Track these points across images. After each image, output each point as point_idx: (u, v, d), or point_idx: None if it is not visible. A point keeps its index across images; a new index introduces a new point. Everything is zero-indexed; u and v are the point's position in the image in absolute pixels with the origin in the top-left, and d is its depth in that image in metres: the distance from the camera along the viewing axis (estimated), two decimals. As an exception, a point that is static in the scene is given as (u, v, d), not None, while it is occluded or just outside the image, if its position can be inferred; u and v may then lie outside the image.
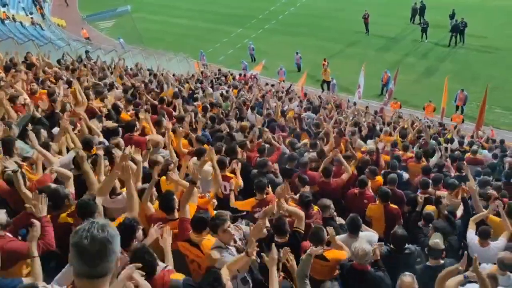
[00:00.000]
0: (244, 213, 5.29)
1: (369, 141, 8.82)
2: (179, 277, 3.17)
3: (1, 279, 2.92)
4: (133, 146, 4.91)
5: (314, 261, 4.01)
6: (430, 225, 5.17)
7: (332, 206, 4.92)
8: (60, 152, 5.34)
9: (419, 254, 4.42)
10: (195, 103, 10.47)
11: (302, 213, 4.32)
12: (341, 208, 5.61)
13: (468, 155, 9.06)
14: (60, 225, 3.66)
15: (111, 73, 12.13)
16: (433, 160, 7.86)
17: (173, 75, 15.42)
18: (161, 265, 3.21)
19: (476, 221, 5.02)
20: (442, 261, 4.02)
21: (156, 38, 28.57)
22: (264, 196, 4.97)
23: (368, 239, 4.29)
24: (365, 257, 3.72)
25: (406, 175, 7.10)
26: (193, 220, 3.76)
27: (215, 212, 4.20)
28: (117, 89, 9.52)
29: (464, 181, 6.12)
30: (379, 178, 6.44)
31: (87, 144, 5.30)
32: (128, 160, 3.94)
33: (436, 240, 4.07)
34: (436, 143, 9.41)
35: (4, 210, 3.36)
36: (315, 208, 4.86)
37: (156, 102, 9.13)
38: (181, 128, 6.95)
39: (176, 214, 4.09)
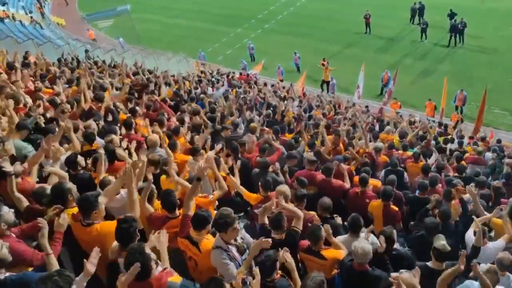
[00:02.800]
0: (242, 214, 5.30)
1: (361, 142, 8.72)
2: (177, 279, 3.11)
3: (26, 273, 2.94)
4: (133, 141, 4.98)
5: (312, 259, 4.04)
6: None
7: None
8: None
9: (407, 257, 4.34)
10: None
11: (301, 213, 4.34)
12: (342, 208, 5.62)
13: (468, 155, 9.07)
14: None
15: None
16: (431, 161, 7.85)
17: (173, 76, 15.40)
18: (159, 267, 3.17)
19: (480, 222, 4.85)
20: (444, 265, 3.95)
21: (155, 38, 28.55)
22: (268, 193, 5.02)
23: (370, 240, 4.27)
24: (366, 257, 3.70)
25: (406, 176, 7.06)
26: (194, 218, 3.71)
27: (215, 212, 4.19)
28: (117, 89, 9.49)
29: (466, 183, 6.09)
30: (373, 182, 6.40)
31: (88, 138, 5.48)
32: (137, 168, 3.98)
33: (442, 242, 3.94)
34: (434, 143, 9.41)
35: (12, 210, 3.34)
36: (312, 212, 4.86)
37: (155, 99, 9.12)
38: (181, 128, 6.98)
39: (177, 212, 4.09)
